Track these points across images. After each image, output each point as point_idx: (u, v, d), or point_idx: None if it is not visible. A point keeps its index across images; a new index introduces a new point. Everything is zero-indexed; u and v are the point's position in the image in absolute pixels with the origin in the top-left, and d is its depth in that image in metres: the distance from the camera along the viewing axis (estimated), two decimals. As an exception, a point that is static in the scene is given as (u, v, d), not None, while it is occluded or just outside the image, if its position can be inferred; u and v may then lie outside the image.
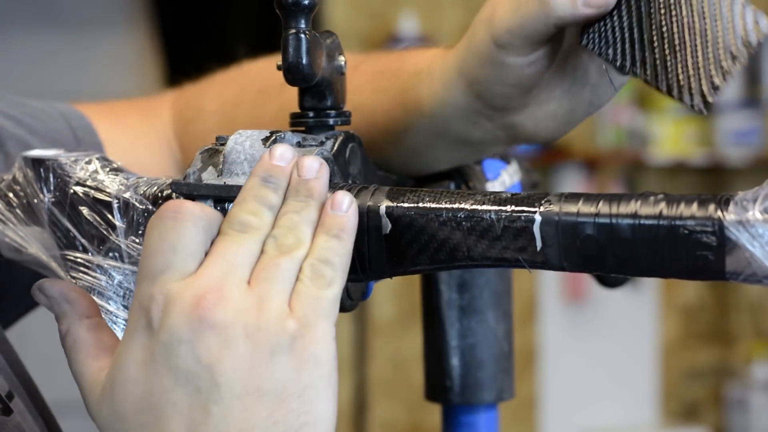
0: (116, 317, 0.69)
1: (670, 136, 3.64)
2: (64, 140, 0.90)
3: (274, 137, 0.66)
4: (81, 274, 0.70)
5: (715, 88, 0.63)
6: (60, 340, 0.64)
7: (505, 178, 0.91)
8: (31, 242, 0.72)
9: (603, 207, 0.58)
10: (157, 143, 0.95)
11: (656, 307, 3.76)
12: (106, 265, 0.69)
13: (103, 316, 0.69)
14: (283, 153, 0.62)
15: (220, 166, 0.66)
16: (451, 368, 0.89)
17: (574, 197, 0.59)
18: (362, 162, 0.72)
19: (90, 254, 0.70)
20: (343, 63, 0.72)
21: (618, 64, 0.67)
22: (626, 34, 0.67)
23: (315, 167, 0.61)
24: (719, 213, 0.55)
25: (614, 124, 3.57)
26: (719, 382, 3.82)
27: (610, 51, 0.67)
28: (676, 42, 0.65)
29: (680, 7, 0.65)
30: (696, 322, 3.82)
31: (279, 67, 0.69)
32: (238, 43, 3.22)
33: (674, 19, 0.65)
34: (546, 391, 3.67)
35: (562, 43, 0.70)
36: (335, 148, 0.69)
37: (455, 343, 0.89)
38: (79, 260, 0.70)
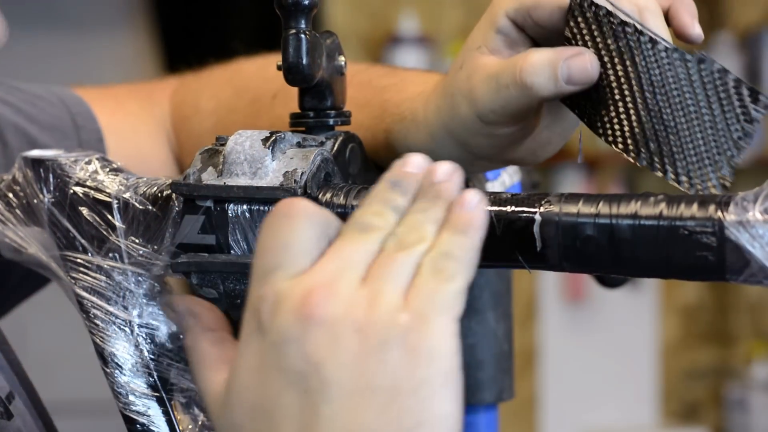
0: (116, 318, 0.69)
1: (670, 136, 3.64)
2: (63, 127, 0.90)
3: (274, 137, 0.66)
4: (81, 274, 0.69)
5: (722, 184, 0.63)
6: (186, 354, 0.63)
7: (505, 178, 0.91)
8: (31, 242, 0.72)
9: (603, 207, 0.58)
10: (156, 131, 0.95)
11: (656, 307, 3.76)
12: (105, 266, 0.69)
13: (103, 316, 0.69)
14: (416, 160, 0.58)
15: (220, 167, 0.66)
16: (451, 368, 0.89)
17: (574, 198, 0.59)
18: (362, 162, 0.72)
19: (90, 255, 0.70)
20: (343, 63, 0.72)
21: (611, 141, 0.67)
22: (611, 111, 0.66)
23: (448, 170, 0.58)
24: (719, 213, 0.55)
25: (614, 124, 3.56)
26: (719, 382, 3.82)
27: (599, 125, 0.67)
28: (669, 124, 0.64)
29: (669, 86, 0.63)
30: (696, 322, 3.82)
31: (279, 67, 0.69)
32: (238, 44, 3.21)
33: (662, 98, 0.64)
34: (546, 391, 3.67)
35: None
36: (335, 148, 0.69)
37: (455, 344, 0.89)
38: (78, 261, 0.70)
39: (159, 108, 0.97)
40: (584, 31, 0.66)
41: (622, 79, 0.65)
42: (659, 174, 0.64)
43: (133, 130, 0.95)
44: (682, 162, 0.64)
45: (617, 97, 0.65)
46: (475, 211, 0.56)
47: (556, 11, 0.67)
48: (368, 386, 0.52)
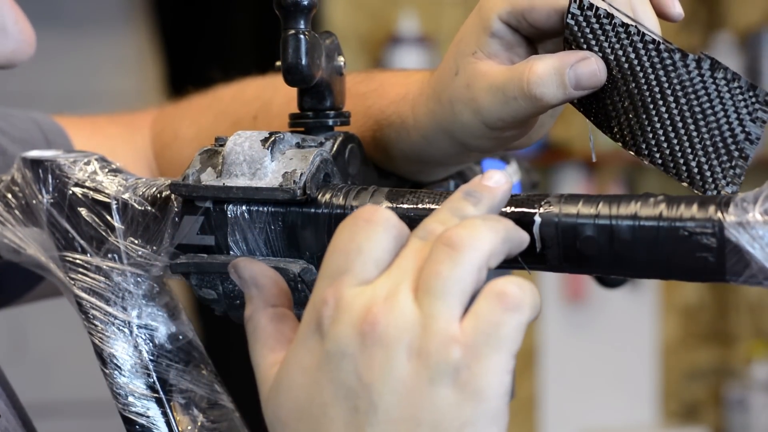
0: (115, 318, 0.69)
1: (670, 136, 3.64)
2: (34, 142, 0.90)
3: (273, 138, 0.66)
4: (80, 275, 0.69)
5: (730, 183, 0.63)
6: (244, 323, 0.61)
7: (504, 178, 0.91)
8: (30, 243, 0.71)
9: (603, 208, 0.58)
10: (136, 156, 0.95)
11: (656, 307, 3.76)
12: (104, 267, 0.69)
13: (102, 317, 0.69)
14: (494, 175, 0.57)
15: (219, 167, 0.66)
16: (451, 369, 0.89)
17: (573, 198, 0.59)
18: (361, 163, 0.72)
19: (89, 255, 0.70)
20: (342, 63, 0.72)
21: (621, 141, 0.67)
22: (621, 114, 0.66)
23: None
24: (719, 214, 0.55)
25: (614, 124, 3.56)
26: (719, 382, 3.82)
27: (612, 125, 0.67)
28: (677, 124, 0.64)
29: (673, 86, 0.63)
30: (696, 322, 3.82)
31: (278, 68, 0.69)
32: (238, 44, 3.22)
33: (667, 98, 0.64)
34: (546, 391, 3.67)
35: None
36: (334, 148, 0.69)
37: (455, 344, 0.89)
38: (77, 261, 0.70)
39: (140, 135, 0.97)
40: (586, 32, 0.65)
41: (628, 79, 0.65)
42: (674, 177, 0.64)
43: (111, 152, 0.95)
44: (693, 163, 0.64)
45: (624, 96, 0.65)
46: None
47: (552, 13, 0.66)
48: (413, 417, 0.52)
